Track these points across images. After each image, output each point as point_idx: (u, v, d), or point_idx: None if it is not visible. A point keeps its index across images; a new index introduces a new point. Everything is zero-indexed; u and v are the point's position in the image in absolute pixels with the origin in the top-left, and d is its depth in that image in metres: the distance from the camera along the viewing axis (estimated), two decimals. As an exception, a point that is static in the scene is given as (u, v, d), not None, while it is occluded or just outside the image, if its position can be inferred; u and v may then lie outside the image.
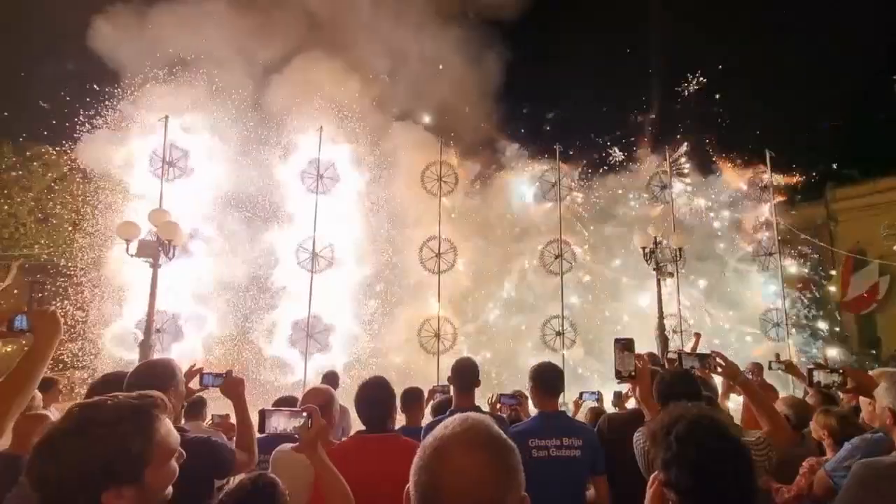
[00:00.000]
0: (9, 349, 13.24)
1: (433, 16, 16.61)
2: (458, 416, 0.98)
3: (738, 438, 1.34)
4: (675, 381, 2.50)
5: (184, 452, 1.28)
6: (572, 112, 21.91)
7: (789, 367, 4.36)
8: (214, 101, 12.50)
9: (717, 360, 2.48)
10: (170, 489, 1.24)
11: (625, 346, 2.38)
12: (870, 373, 2.49)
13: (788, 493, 2.71)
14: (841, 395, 3.65)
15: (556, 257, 12.82)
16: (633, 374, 2.38)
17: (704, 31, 22.70)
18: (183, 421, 4.12)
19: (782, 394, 5.40)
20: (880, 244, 17.45)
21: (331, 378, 5.85)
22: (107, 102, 12.27)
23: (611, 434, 2.90)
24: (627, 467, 2.51)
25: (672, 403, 1.50)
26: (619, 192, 15.82)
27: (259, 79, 13.58)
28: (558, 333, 12.33)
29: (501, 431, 0.95)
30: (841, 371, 2.43)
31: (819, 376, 2.46)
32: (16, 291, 16.36)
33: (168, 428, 1.21)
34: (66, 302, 12.60)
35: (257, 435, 2.17)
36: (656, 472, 1.36)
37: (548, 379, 2.92)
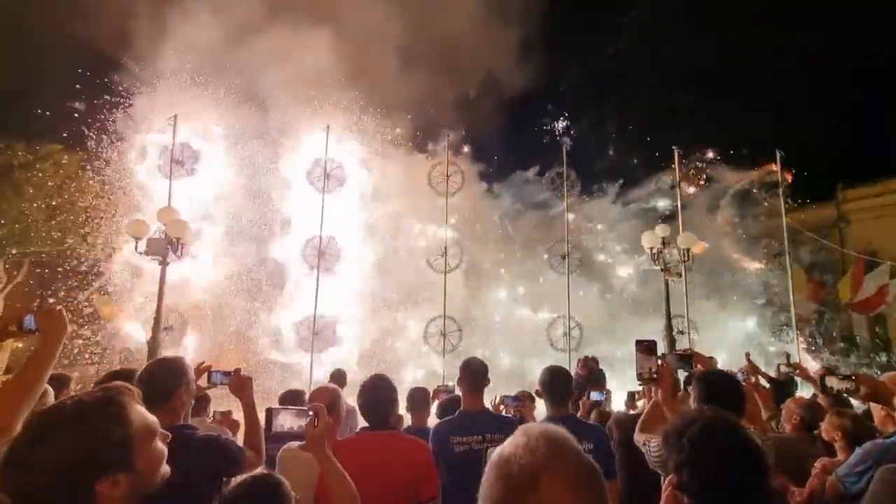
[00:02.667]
0: (19, 345, 13.39)
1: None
2: (537, 432, 0.84)
3: (752, 440, 1.32)
4: (721, 383, 2.39)
5: (169, 434, 1.31)
6: (580, 111, 21.84)
7: (800, 371, 4.31)
8: (222, 99, 12.57)
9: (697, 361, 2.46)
10: (167, 468, 1.27)
11: (646, 347, 2.34)
12: (882, 377, 2.45)
13: (801, 495, 2.68)
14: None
15: (563, 257, 12.77)
16: (654, 375, 2.34)
17: (712, 32, 22.53)
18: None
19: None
20: (892, 245, 17.22)
21: (338, 377, 5.87)
22: (117, 101, 12.38)
23: (620, 435, 2.87)
24: (638, 469, 2.49)
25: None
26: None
27: (264, 77, 13.64)
28: (564, 334, 12.28)
29: (589, 456, 0.84)
30: (853, 377, 2.39)
31: (831, 382, 2.41)
32: (27, 290, 16.53)
33: (141, 411, 1.23)
34: (76, 298, 12.72)
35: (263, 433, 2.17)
36: (671, 476, 1.34)
37: (556, 385, 2.88)
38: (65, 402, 1.17)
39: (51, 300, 14.02)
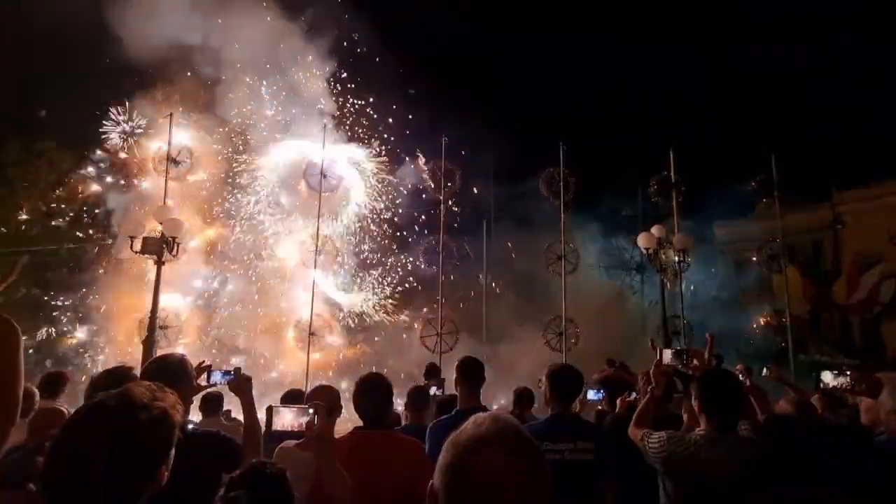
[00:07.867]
0: None
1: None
2: (486, 415, 0.99)
3: None
4: (720, 381, 2.35)
5: None
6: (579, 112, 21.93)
7: (775, 374, 4.32)
8: (219, 99, 12.56)
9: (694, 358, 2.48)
10: None
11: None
12: (877, 375, 2.47)
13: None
14: (849, 398, 3.64)
15: (559, 258, 12.78)
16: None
17: (704, 37, 22.66)
18: (200, 416, 4.16)
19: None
20: (887, 247, 17.32)
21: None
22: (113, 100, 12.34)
23: (616, 434, 2.89)
24: (633, 468, 2.50)
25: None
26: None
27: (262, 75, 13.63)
28: (560, 334, 12.29)
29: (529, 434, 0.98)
30: (850, 373, 2.40)
31: (827, 378, 2.40)
32: (23, 290, 16.37)
33: (179, 409, 1.28)
34: (69, 295, 12.66)
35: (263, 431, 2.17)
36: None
37: (564, 382, 2.87)
38: (112, 398, 1.15)
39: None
